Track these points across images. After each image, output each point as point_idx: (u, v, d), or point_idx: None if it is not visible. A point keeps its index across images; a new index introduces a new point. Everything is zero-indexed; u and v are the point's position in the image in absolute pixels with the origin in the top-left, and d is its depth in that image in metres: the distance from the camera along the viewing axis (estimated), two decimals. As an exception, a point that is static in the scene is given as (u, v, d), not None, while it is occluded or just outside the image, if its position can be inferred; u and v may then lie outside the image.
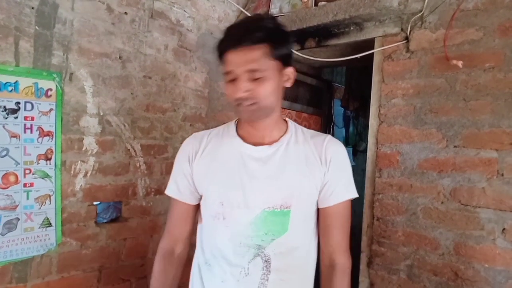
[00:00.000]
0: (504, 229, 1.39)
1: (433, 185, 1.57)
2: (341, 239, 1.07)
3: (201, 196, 1.11)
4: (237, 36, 0.95)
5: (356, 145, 3.58)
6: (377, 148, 1.76)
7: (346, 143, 3.45)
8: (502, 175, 1.40)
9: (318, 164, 1.04)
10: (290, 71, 1.02)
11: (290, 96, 2.72)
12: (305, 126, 2.95)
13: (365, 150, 3.56)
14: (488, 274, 1.41)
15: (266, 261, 1.03)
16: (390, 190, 1.69)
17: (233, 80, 0.96)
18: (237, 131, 1.10)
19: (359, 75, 3.15)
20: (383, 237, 1.69)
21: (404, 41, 1.67)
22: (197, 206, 1.13)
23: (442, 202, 1.54)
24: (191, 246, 1.16)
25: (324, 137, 1.10)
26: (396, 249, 1.65)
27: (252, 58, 0.94)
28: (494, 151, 1.42)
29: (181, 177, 1.10)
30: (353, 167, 3.71)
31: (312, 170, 1.04)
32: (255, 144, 1.05)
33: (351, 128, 3.49)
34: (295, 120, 2.77)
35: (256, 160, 1.04)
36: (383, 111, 1.74)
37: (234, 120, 1.14)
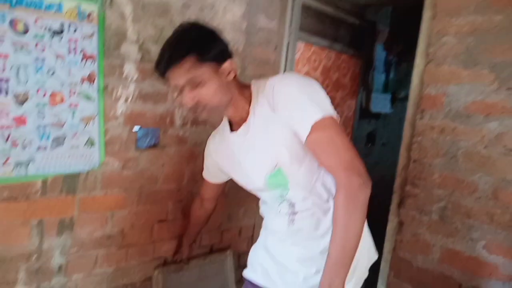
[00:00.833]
0: (550, 175, 1.33)
1: (478, 128, 1.50)
2: (334, 161, 1.02)
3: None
4: (165, 59, 1.07)
5: (395, 92, 3.44)
6: (421, 89, 1.68)
7: (385, 89, 3.32)
8: (557, 119, 1.31)
9: (274, 115, 1.09)
10: (227, 66, 1.08)
11: (330, 35, 2.61)
12: (344, 68, 2.87)
13: (404, 98, 3.43)
14: (526, 219, 1.38)
15: (290, 204, 1.21)
16: (431, 132, 1.64)
17: (180, 92, 1.10)
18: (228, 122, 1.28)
19: (405, 17, 2.94)
20: (418, 179, 1.67)
21: (464, -29, 1.52)
22: (225, 182, 1.52)
23: (485, 146, 1.48)
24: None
25: (271, 83, 1.10)
26: (430, 191, 1.63)
27: (184, 72, 1.04)
28: (552, 94, 1.33)
29: (208, 165, 1.48)
30: (390, 115, 3.64)
31: (272, 123, 1.10)
32: (239, 126, 1.19)
33: (391, 74, 3.34)
34: (334, 62, 2.68)
35: (242, 142, 1.20)
36: (432, 50, 1.64)
37: None
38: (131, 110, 1.74)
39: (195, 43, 1.06)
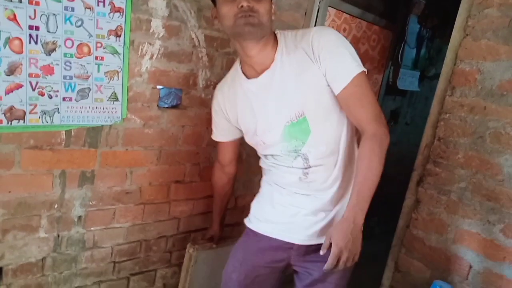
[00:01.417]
0: None
1: (511, 108, 1.44)
2: (365, 112, 1.14)
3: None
4: None
5: (424, 71, 3.32)
6: (455, 64, 1.61)
7: (415, 66, 3.20)
8: None
9: (311, 63, 1.14)
10: (273, 6, 1.14)
11: (363, 3, 2.50)
12: (374, 40, 2.77)
13: (434, 77, 3.30)
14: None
15: (304, 158, 1.24)
16: (459, 110, 1.58)
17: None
18: (242, 69, 1.26)
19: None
20: (441, 158, 1.63)
21: None
22: (239, 138, 1.46)
23: (516, 128, 1.43)
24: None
25: (310, 33, 1.16)
26: (452, 170, 1.60)
27: None
28: None
29: (218, 123, 1.44)
30: (416, 94, 3.53)
31: (308, 73, 1.14)
32: (259, 74, 1.20)
33: (423, 51, 3.21)
34: (364, 32, 2.58)
35: (262, 89, 1.20)
36: (471, 23, 1.56)
37: (238, 61, 1.31)
38: (155, 68, 1.73)
39: None
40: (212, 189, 1.82)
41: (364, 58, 2.63)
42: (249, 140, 1.35)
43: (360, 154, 1.13)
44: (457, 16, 1.62)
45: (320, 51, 1.12)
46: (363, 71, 1.11)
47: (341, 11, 2.35)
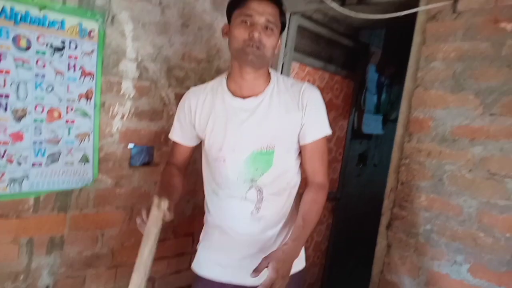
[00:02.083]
0: (532, 200, 1.37)
1: (463, 152, 1.55)
2: (319, 167, 1.32)
3: (201, 141, 1.42)
4: None
5: (387, 114, 3.51)
6: (410, 113, 1.73)
7: (377, 110, 3.39)
8: (538, 146, 1.36)
9: (296, 110, 1.27)
10: (280, 41, 1.25)
11: (325, 56, 2.67)
12: (337, 90, 2.93)
13: (395, 120, 3.48)
14: (509, 243, 1.41)
15: (258, 190, 1.31)
16: (418, 155, 1.68)
17: (247, 25, 1.15)
18: (227, 85, 1.30)
19: (398, 40, 3.03)
20: (406, 201, 1.71)
21: (451, 1, 1.59)
22: (195, 146, 1.46)
23: (470, 170, 1.52)
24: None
25: (301, 85, 1.31)
26: (417, 213, 1.66)
27: (271, 12, 1.16)
28: (533, 122, 1.38)
29: (182, 124, 1.40)
30: (381, 136, 3.69)
31: (291, 115, 1.27)
32: (244, 96, 1.27)
33: (383, 96, 3.41)
34: (327, 82, 2.74)
35: (244, 111, 1.26)
36: (421, 74, 1.70)
37: (225, 74, 1.35)
38: (126, 128, 1.77)
39: (282, 4, 1.24)
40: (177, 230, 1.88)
41: (329, 106, 2.76)
42: (211, 154, 1.34)
43: (306, 197, 1.28)
44: (408, 68, 1.77)
45: (307, 103, 1.27)
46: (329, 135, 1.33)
47: (305, 64, 2.50)
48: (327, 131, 1.32)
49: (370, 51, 3.14)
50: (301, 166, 1.38)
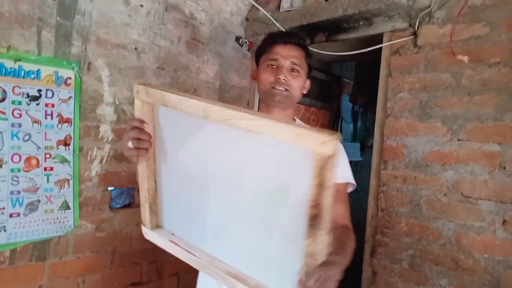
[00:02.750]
0: (504, 220, 1.42)
1: (437, 177, 1.61)
2: (344, 210, 1.21)
3: None
4: (287, 35, 1.23)
5: (364, 141, 3.61)
6: (383, 141, 1.80)
7: (354, 138, 3.48)
8: (504, 168, 1.43)
9: None
10: (308, 82, 1.25)
11: (299, 90, 2.77)
12: (313, 121, 3.01)
13: (372, 146, 3.59)
14: (488, 263, 1.45)
15: None
16: (394, 182, 1.74)
17: (273, 68, 1.17)
18: None
19: (368, 70, 3.18)
20: (387, 228, 1.74)
21: (412, 36, 1.70)
22: None
23: (445, 194, 1.58)
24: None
25: None
26: (399, 239, 1.69)
27: (296, 55, 1.18)
28: (496, 145, 1.46)
29: None
30: (361, 162, 3.74)
31: None
32: None
33: (359, 124, 3.52)
34: (303, 114, 2.82)
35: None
36: (390, 105, 1.78)
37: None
38: (105, 171, 1.76)
39: (307, 46, 1.26)
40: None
41: (307, 137, 2.84)
42: None
43: (337, 231, 1.06)
44: (378, 100, 1.86)
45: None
46: (353, 185, 1.27)
47: (280, 98, 2.58)
48: (351, 178, 1.24)
49: (343, 82, 3.27)
50: None
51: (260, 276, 0.80)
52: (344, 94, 3.29)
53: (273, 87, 1.16)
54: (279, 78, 1.15)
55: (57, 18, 1.55)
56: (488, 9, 1.50)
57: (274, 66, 1.17)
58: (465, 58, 1.50)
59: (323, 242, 0.66)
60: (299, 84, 1.19)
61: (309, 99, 2.83)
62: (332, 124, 3.06)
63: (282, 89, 1.15)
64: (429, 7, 1.64)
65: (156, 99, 0.84)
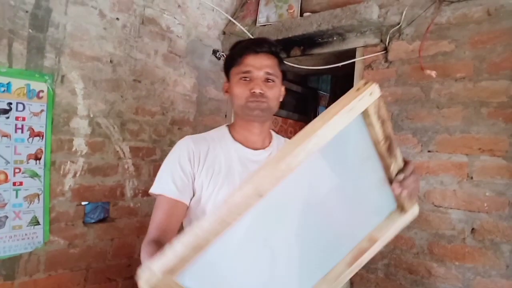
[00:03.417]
0: (473, 229, 1.48)
1: (409, 187, 1.65)
2: None
3: (194, 198, 1.10)
4: (258, 43, 1.12)
5: (340, 152, 3.67)
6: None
7: (331, 149, 3.54)
8: (472, 178, 1.49)
9: None
10: (283, 88, 1.19)
11: (277, 102, 2.81)
12: (291, 132, 3.04)
13: (349, 157, 3.64)
14: (459, 271, 1.49)
15: None
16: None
17: (247, 80, 1.09)
18: (232, 137, 1.17)
19: (343, 83, 3.25)
20: (362, 238, 1.77)
21: (383, 52, 1.77)
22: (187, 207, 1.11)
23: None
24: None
25: None
26: (374, 249, 1.72)
27: (269, 64, 1.11)
28: (464, 156, 1.52)
29: (181, 176, 1.06)
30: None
31: None
32: (252, 149, 1.16)
33: (335, 135, 3.59)
34: (281, 126, 2.86)
35: (255, 162, 1.14)
36: (364, 117, 1.83)
37: (225, 127, 1.21)
38: (79, 185, 1.72)
39: (280, 52, 1.17)
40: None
41: (284, 148, 2.87)
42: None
43: None
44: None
45: None
46: None
47: (258, 110, 2.60)
48: None
49: (319, 95, 3.33)
50: None
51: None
52: (320, 106, 3.36)
53: (250, 101, 1.08)
54: (254, 92, 1.08)
55: (30, 30, 1.52)
56: (453, 27, 1.57)
57: (247, 79, 1.10)
58: (433, 73, 1.56)
59: (400, 157, 0.79)
60: (275, 94, 1.12)
61: (286, 112, 2.87)
62: (309, 136, 3.12)
63: (259, 102, 1.08)
64: (399, 24, 1.71)
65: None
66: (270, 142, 1.19)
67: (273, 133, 1.25)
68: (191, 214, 1.10)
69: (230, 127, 1.20)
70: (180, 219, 1.09)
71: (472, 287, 1.47)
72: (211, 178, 1.09)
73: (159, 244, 0.96)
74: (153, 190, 1.08)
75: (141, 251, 0.97)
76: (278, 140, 1.23)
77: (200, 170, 1.09)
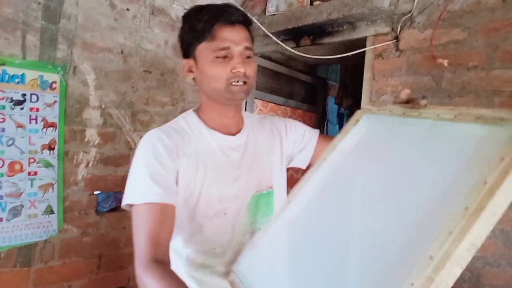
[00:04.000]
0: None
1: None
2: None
3: (180, 197, 0.95)
4: (230, 11, 0.93)
5: (349, 142, 3.65)
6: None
7: (340, 139, 3.53)
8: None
9: (277, 137, 1.11)
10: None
11: (285, 92, 2.79)
12: (299, 122, 3.01)
13: (358, 147, 3.63)
14: (469, 261, 1.49)
15: None
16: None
17: (225, 59, 0.92)
18: (205, 123, 1.02)
19: (353, 73, 3.23)
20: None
21: (394, 40, 1.74)
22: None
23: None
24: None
25: (267, 117, 1.20)
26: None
27: (247, 37, 0.95)
28: (476, 146, 1.50)
29: (163, 175, 0.89)
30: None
31: (276, 146, 1.10)
32: (229, 135, 1.03)
33: (345, 125, 3.57)
34: (290, 117, 2.85)
35: (235, 149, 1.03)
36: (374, 107, 1.82)
37: (192, 112, 1.04)
38: (91, 175, 1.75)
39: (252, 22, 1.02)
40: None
41: (293, 139, 2.87)
42: (205, 210, 0.96)
43: None
44: (361, 102, 1.90)
45: (283, 127, 1.14)
46: None
47: (267, 101, 2.60)
48: (317, 131, 1.17)
49: (328, 85, 3.31)
50: None
51: None
52: (329, 96, 3.34)
53: (232, 84, 0.92)
54: (238, 72, 0.91)
55: (42, 22, 1.54)
56: (466, 15, 1.55)
57: (226, 57, 0.91)
58: (445, 62, 1.54)
59: None
60: (254, 70, 0.97)
61: (295, 102, 2.86)
62: (318, 126, 3.10)
63: (242, 83, 0.93)
64: (411, 12, 1.68)
65: None
66: (243, 123, 1.08)
67: (244, 112, 1.12)
68: (178, 216, 0.91)
69: (199, 113, 1.04)
70: (173, 226, 0.89)
71: (481, 276, 1.47)
72: (196, 173, 0.95)
73: (166, 266, 0.83)
74: (130, 200, 0.89)
75: (144, 278, 0.80)
76: (250, 119, 1.12)
77: (182, 165, 0.94)
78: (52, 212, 1.63)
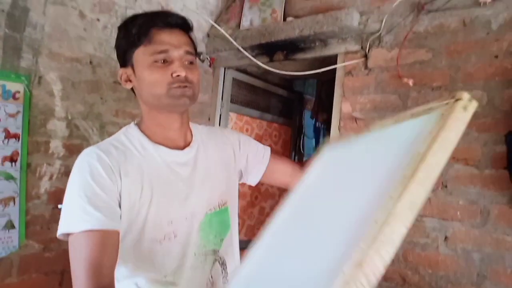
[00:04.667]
0: (446, 237, 1.49)
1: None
2: (289, 161, 1.20)
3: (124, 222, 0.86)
4: (172, 18, 0.91)
5: (326, 155, 3.68)
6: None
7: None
8: (446, 186, 1.51)
9: (230, 150, 1.08)
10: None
11: (262, 106, 2.80)
12: (275, 136, 3.04)
13: (334, 160, 3.66)
14: (432, 279, 1.51)
15: (222, 263, 0.99)
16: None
17: (163, 63, 0.87)
18: (148, 138, 0.94)
19: (328, 88, 3.27)
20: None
21: (363, 58, 1.78)
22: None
23: (393, 211, 1.64)
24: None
25: (217, 128, 1.23)
26: (351, 254, 1.73)
27: (187, 41, 0.91)
28: (439, 164, 1.53)
29: (103, 198, 0.81)
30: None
31: (228, 159, 1.07)
32: (176, 149, 0.96)
33: (321, 139, 3.60)
34: (266, 130, 2.86)
35: (184, 165, 0.96)
36: (343, 124, 1.84)
37: (134, 127, 0.96)
38: (55, 188, 1.70)
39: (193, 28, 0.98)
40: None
41: (268, 152, 2.87)
42: (154, 233, 0.88)
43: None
44: (332, 118, 1.92)
45: (236, 140, 1.11)
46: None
47: (242, 114, 2.60)
48: (268, 148, 1.16)
49: (305, 99, 3.34)
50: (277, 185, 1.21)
51: None
52: (306, 110, 3.37)
53: (173, 88, 0.86)
54: (179, 75, 0.86)
55: (6, 30, 1.50)
56: (430, 36, 1.59)
57: (164, 61, 0.87)
58: (410, 81, 1.58)
59: None
60: (198, 78, 0.92)
61: (271, 115, 2.87)
62: (294, 140, 3.12)
63: (185, 88, 0.87)
64: (379, 31, 1.72)
65: None
66: (192, 135, 1.01)
67: (191, 124, 1.04)
68: (122, 242, 0.84)
69: (140, 127, 0.96)
70: (117, 253, 0.81)
71: (444, 294, 1.48)
72: (141, 193, 0.87)
73: None
74: (67, 229, 0.80)
75: None
76: (199, 131, 1.05)
77: (125, 186, 0.85)
78: (12, 227, 1.57)
